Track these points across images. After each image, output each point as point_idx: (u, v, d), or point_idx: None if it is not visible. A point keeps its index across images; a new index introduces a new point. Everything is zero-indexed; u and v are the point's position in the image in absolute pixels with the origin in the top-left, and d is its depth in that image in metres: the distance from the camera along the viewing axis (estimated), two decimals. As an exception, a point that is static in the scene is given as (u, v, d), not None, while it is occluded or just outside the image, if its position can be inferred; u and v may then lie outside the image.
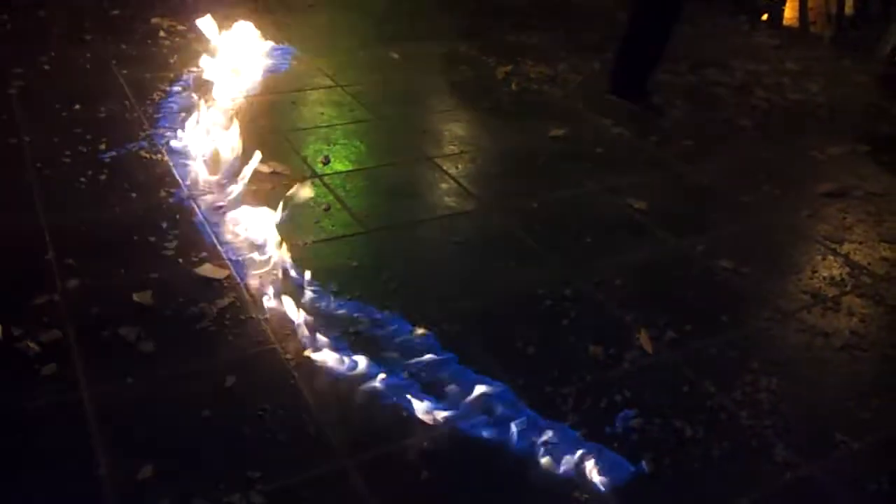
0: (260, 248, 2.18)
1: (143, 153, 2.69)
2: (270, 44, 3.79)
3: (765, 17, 5.08)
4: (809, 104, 3.62)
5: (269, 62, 3.63)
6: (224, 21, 3.68)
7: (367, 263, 2.18)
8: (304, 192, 2.44)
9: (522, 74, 3.69)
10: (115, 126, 2.87)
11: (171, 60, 3.53)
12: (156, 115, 2.98)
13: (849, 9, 5.14)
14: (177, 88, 3.23)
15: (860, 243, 2.51)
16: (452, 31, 4.36)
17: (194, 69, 3.41)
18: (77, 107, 2.99)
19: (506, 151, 2.98)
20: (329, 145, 2.90)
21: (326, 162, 2.76)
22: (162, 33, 3.86)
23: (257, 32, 3.77)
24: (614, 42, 3.42)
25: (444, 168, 2.79)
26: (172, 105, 3.08)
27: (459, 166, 2.82)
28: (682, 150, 3.07)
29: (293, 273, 2.08)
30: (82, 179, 2.49)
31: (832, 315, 2.12)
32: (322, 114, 3.15)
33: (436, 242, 2.34)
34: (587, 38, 4.24)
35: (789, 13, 5.32)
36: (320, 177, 2.65)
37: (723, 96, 3.64)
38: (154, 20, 4.01)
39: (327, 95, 3.33)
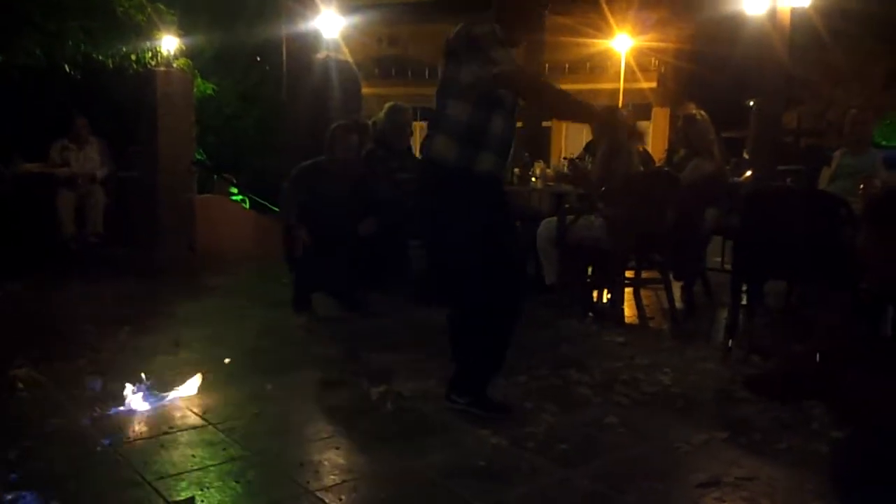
0: None
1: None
2: (131, 387, 3.58)
3: (608, 317, 5.59)
4: (665, 396, 3.88)
5: (130, 407, 3.50)
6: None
7: None
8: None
9: (396, 393, 3.77)
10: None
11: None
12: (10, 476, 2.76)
13: (678, 302, 5.76)
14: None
15: (743, 532, 2.57)
16: (325, 356, 4.49)
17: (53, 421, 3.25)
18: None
19: (387, 475, 2.93)
20: (202, 490, 2.75)
21: (199, 510, 2.61)
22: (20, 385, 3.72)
23: (121, 377, 3.64)
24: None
25: (327, 501, 2.69)
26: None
27: (343, 497, 2.73)
28: (559, 454, 3.14)
29: None
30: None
31: None
32: (193, 456, 3.03)
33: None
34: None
35: (629, 312, 5.90)
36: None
37: (587, 395, 3.85)
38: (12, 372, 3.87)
39: (198, 435, 3.24)
